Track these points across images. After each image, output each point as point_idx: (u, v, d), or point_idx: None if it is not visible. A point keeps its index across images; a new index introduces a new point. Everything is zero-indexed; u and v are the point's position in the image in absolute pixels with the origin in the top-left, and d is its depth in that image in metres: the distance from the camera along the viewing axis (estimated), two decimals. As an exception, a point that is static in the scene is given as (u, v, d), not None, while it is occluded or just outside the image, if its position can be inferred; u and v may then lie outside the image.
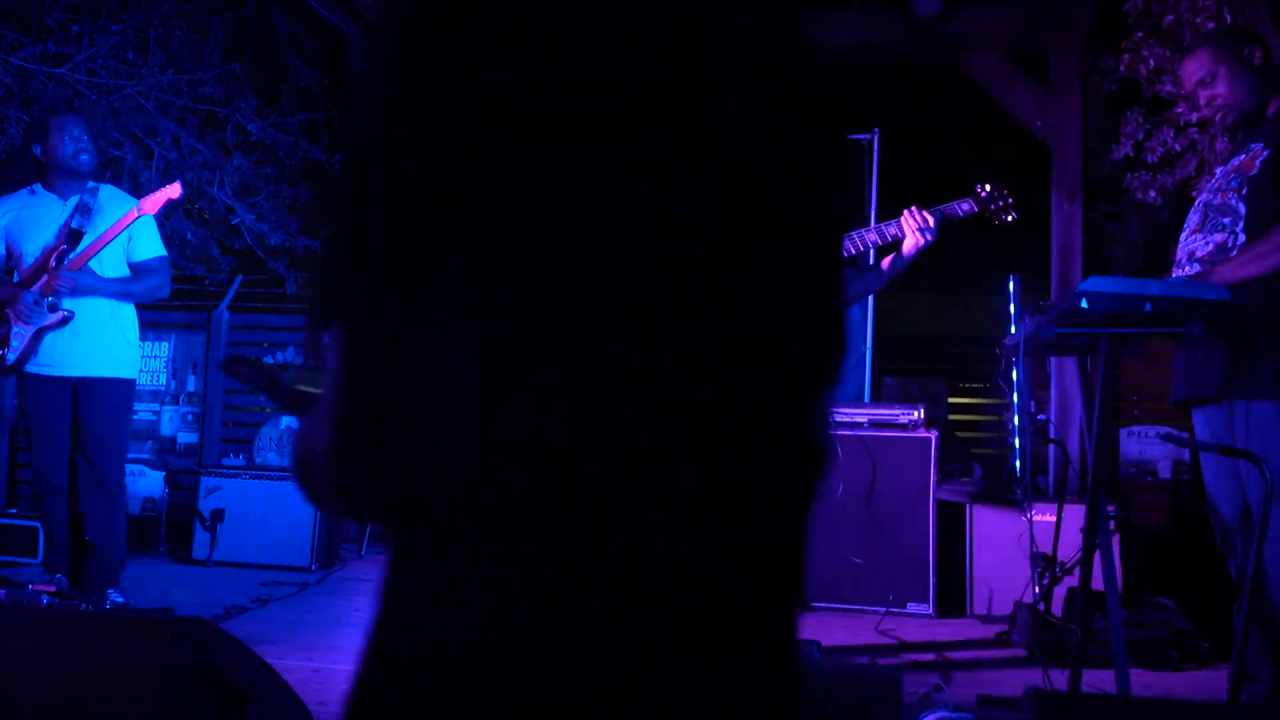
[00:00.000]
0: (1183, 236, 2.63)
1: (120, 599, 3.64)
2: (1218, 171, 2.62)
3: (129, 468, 3.94)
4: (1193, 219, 2.61)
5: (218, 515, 5.13)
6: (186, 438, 6.81)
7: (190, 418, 6.83)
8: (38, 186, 3.69)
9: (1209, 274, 2.45)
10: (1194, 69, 2.63)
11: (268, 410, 6.84)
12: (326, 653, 3.22)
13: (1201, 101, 2.64)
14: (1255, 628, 2.37)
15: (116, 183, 5.79)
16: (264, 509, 5.15)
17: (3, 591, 2.86)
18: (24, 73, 5.38)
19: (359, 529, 6.04)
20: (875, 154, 6.18)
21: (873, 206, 6.16)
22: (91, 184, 3.70)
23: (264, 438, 6.75)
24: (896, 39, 5.92)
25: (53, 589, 3.35)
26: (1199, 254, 2.55)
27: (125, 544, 3.73)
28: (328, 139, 6.73)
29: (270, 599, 4.17)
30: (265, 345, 6.89)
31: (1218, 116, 2.64)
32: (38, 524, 4.63)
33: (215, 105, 6.15)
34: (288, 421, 6.77)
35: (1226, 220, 2.48)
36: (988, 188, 3.05)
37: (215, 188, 6.20)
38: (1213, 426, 2.53)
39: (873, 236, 3.07)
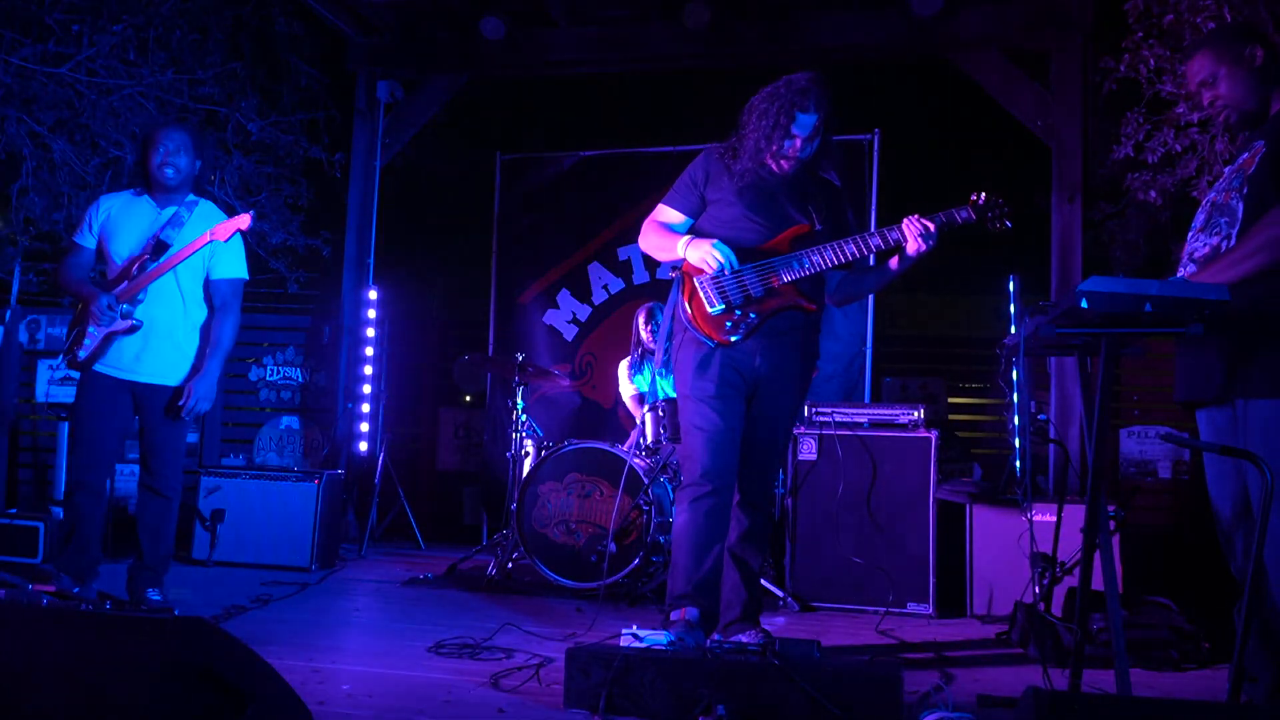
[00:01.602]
0: (1189, 236, 2.63)
1: (158, 598, 3.67)
2: (1225, 171, 2.62)
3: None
4: (1199, 219, 2.61)
5: (218, 515, 5.13)
6: (187, 437, 6.80)
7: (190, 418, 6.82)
8: (141, 189, 3.73)
9: (1194, 276, 2.45)
10: (1196, 69, 2.64)
11: (267, 410, 6.84)
12: (326, 653, 3.22)
13: (1204, 102, 2.65)
14: (1255, 628, 2.37)
15: (116, 183, 5.80)
16: (264, 509, 5.15)
17: (3, 591, 2.86)
18: (24, 73, 5.37)
19: (359, 529, 6.05)
20: (875, 154, 6.18)
21: (873, 206, 6.17)
22: (193, 198, 3.73)
23: (264, 438, 6.75)
24: (896, 39, 5.92)
25: (52, 589, 3.36)
26: (1197, 255, 2.55)
27: (172, 547, 3.77)
28: (328, 138, 6.73)
29: (270, 599, 4.17)
30: (265, 345, 6.90)
31: (1220, 117, 2.64)
32: (39, 524, 4.62)
33: (215, 105, 6.15)
34: (287, 421, 6.77)
35: (1224, 221, 2.49)
36: (984, 196, 3.12)
37: (216, 187, 6.20)
38: (1216, 426, 2.53)
39: (875, 241, 3.12)
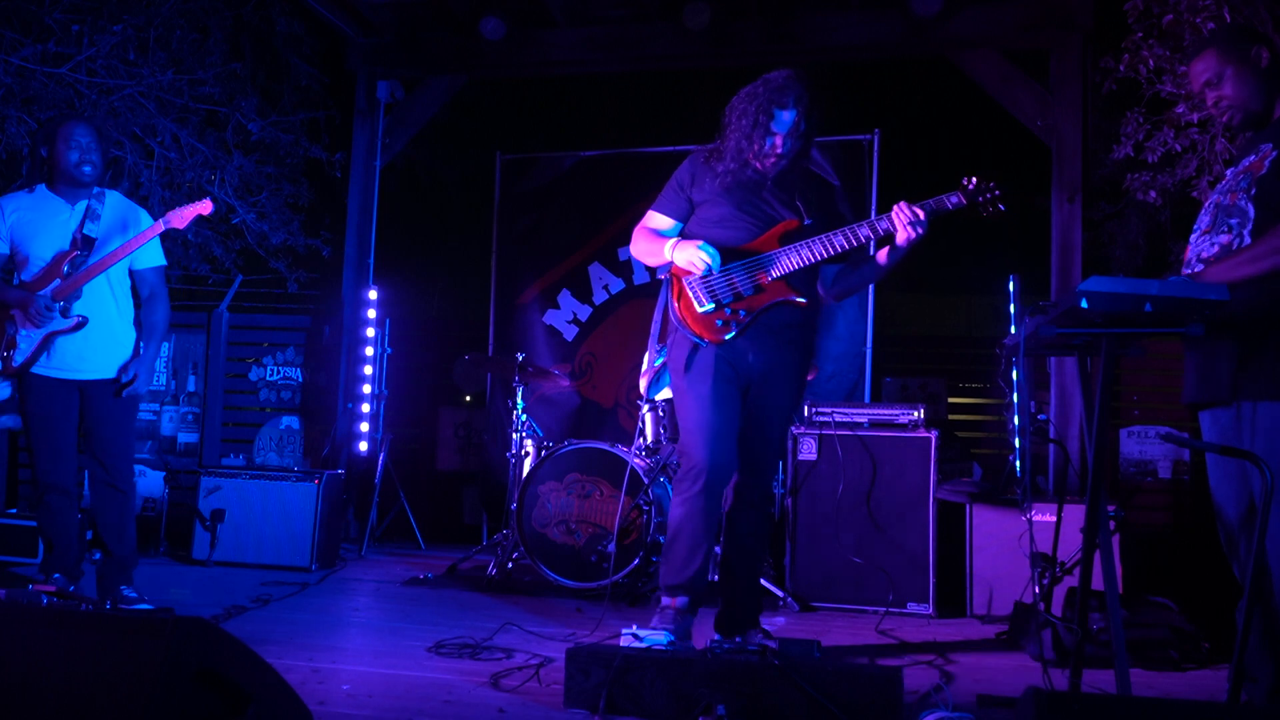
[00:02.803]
0: (1193, 238, 2.62)
1: (133, 594, 3.67)
2: (1228, 173, 2.61)
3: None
4: (1203, 220, 2.60)
5: (218, 515, 5.13)
6: (186, 438, 6.80)
7: (190, 418, 6.83)
8: (40, 188, 3.68)
9: (1203, 273, 2.44)
10: (1200, 70, 2.63)
11: (268, 410, 6.84)
12: (326, 653, 3.22)
13: (1209, 103, 2.64)
14: (1256, 628, 2.37)
15: (116, 183, 5.80)
16: (264, 509, 5.15)
17: (3, 591, 2.86)
18: (24, 73, 5.37)
19: (359, 529, 6.05)
20: (875, 154, 6.18)
21: (873, 206, 6.17)
22: (97, 190, 3.71)
23: (264, 438, 6.75)
24: (896, 38, 5.92)
25: (53, 589, 3.36)
26: (1204, 255, 2.54)
27: (136, 541, 3.76)
28: (328, 138, 6.73)
29: (270, 599, 4.17)
30: (265, 345, 6.89)
31: (1224, 117, 2.63)
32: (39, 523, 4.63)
33: (216, 104, 6.15)
34: (287, 421, 6.77)
35: (1234, 221, 2.47)
36: (975, 180, 3.09)
37: (216, 187, 6.20)
38: (1220, 427, 2.53)
39: (865, 231, 3.11)
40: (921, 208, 3.04)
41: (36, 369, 3.57)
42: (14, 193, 3.77)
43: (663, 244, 3.20)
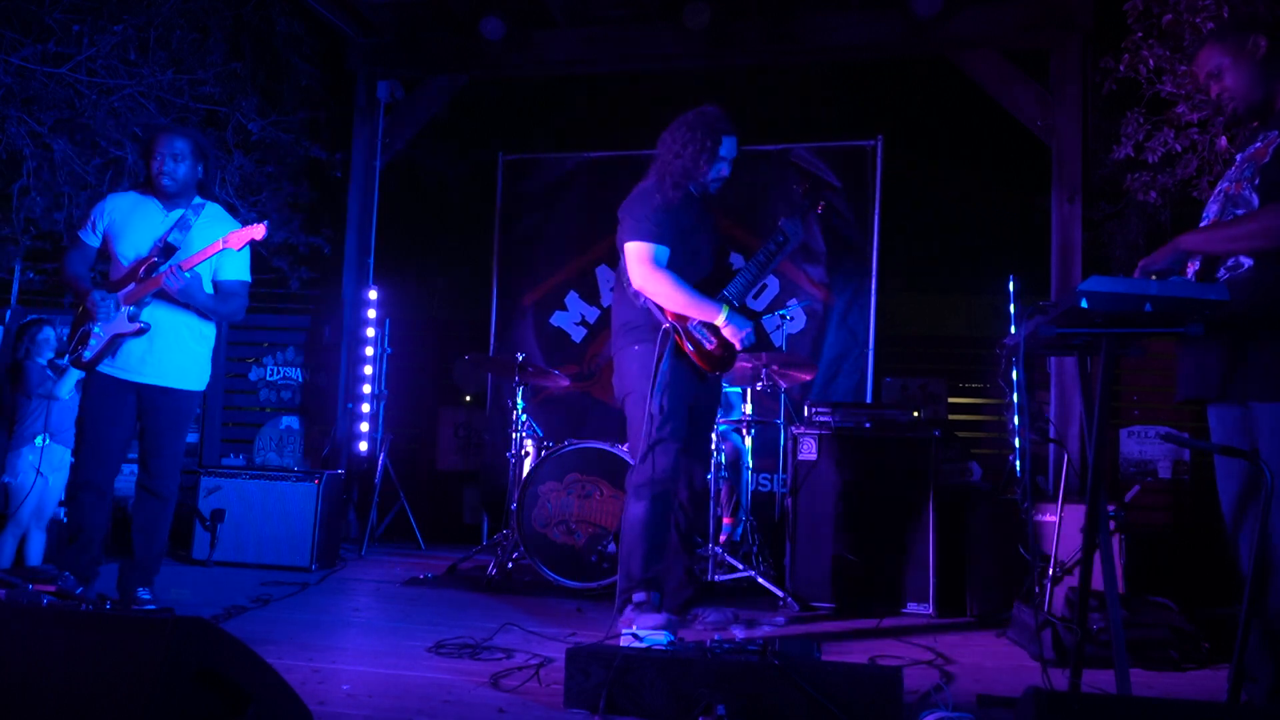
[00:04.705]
0: (1201, 225, 2.62)
1: (148, 596, 3.68)
2: (1237, 158, 2.61)
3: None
4: (1211, 209, 2.60)
5: (218, 515, 5.13)
6: (187, 437, 6.81)
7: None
8: (147, 190, 3.71)
9: (1179, 239, 2.47)
10: (1203, 62, 2.65)
11: (268, 410, 6.84)
12: (326, 653, 3.22)
13: (1213, 95, 2.66)
14: (1256, 628, 2.37)
15: (116, 183, 5.80)
16: (264, 509, 5.15)
17: (3, 591, 2.86)
18: (24, 73, 5.37)
19: (359, 529, 6.05)
20: (879, 160, 6.19)
21: (875, 210, 6.17)
22: (199, 200, 3.72)
23: (264, 438, 6.75)
24: (896, 39, 5.92)
25: (53, 589, 3.35)
26: None
27: (165, 547, 3.77)
28: (328, 138, 6.73)
29: (270, 599, 4.17)
30: (265, 345, 6.90)
31: (1228, 109, 2.64)
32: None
33: (216, 104, 6.15)
34: (287, 421, 6.77)
35: (1240, 211, 2.48)
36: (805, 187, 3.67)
37: (216, 186, 6.20)
38: (1225, 424, 2.53)
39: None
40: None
41: (102, 367, 3.60)
42: (123, 191, 3.82)
43: (712, 310, 3.51)
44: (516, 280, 6.77)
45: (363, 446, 6.45)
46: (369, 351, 6.52)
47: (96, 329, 3.57)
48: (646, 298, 3.54)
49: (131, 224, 3.67)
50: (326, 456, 6.38)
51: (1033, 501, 4.27)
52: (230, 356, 6.91)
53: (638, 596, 3.34)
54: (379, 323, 6.59)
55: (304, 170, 6.76)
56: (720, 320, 3.50)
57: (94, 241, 3.70)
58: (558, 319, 6.65)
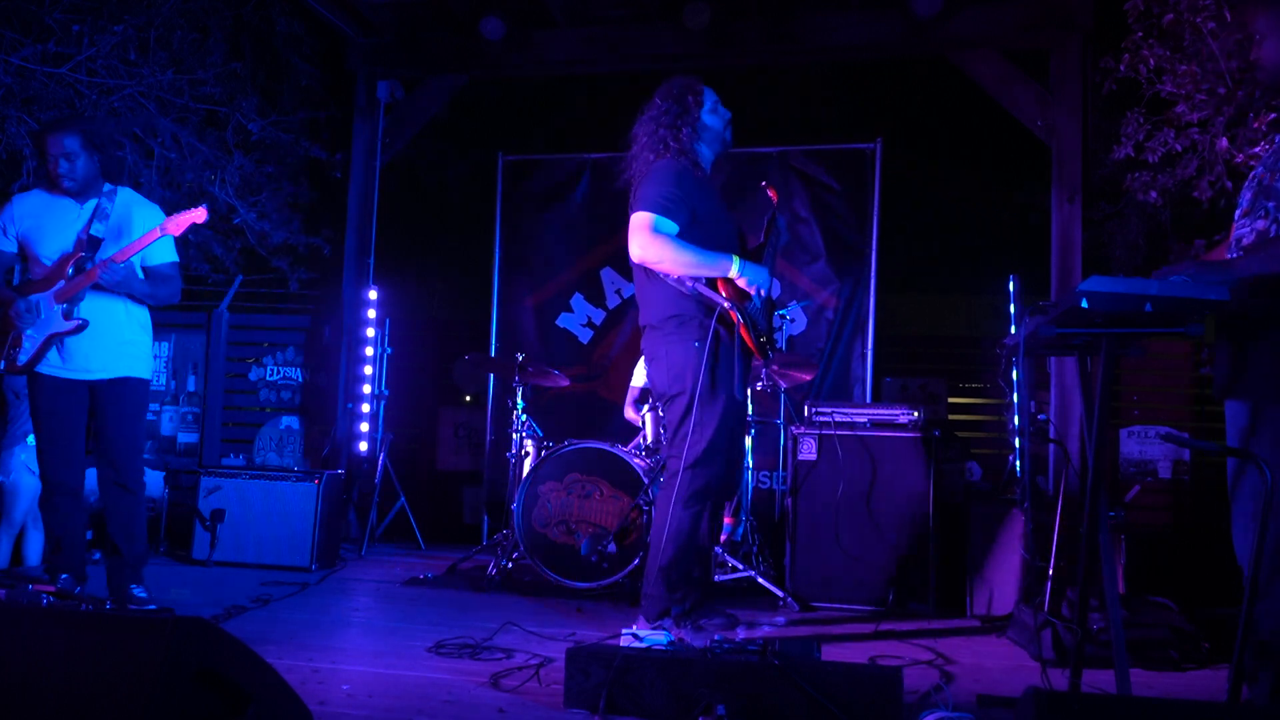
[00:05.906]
0: (1235, 215, 2.58)
1: (143, 594, 3.67)
2: (1277, 142, 2.57)
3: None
4: (1244, 197, 2.55)
5: (218, 515, 5.13)
6: (186, 438, 6.81)
7: (190, 418, 6.83)
8: (55, 190, 3.66)
9: (1233, 264, 2.41)
10: (1250, 18, 2.60)
11: (268, 410, 6.84)
12: (326, 653, 3.22)
13: (1251, 56, 2.63)
14: (1252, 638, 2.36)
15: (116, 184, 5.79)
16: (264, 509, 5.15)
17: (3, 591, 2.86)
18: (24, 73, 5.37)
19: (359, 529, 6.05)
20: (878, 162, 6.18)
21: (875, 211, 6.17)
22: (109, 186, 3.68)
23: (264, 438, 6.75)
24: (896, 39, 5.92)
25: (53, 589, 3.35)
26: (1245, 242, 2.50)
27: (146, 540, 3.76)
28: (328, 137, 6.73)
29: (270, 599, 4.17)
30: (265, 345, 6.89)
31: (1259, 74, 2.61)
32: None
33: (216, 104, 6.15)
34: (287, 421, 6.77)
35: (1271, 205, 2.44)
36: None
37: (216, 187, 6.20)
38: (1237, 422, 2.52)
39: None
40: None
41: (47, 369, 3.56)
42: (28, 191, 3.76)
43: (724, 262, 3.41)
44: (518, 281, 6.77)
45: (363, 446, 6.45)
46: (369, 351, 6.52)
47: (29, 331, 3.52)
48: (694, 282, 3.44)
49: (47, 223, 3.61)
50: (326, 456, 6.38)
51: (1032, 502, 4.27)
52: (230, 356, 6.91)
53: (676, 610, 3.40)
54: (379, 323, 6.59)
55: (304, 170, 6.76)
56: (734, 271, 3.42)
57: (10, 247, 3.64)
58: (564, 320, 6.65)
